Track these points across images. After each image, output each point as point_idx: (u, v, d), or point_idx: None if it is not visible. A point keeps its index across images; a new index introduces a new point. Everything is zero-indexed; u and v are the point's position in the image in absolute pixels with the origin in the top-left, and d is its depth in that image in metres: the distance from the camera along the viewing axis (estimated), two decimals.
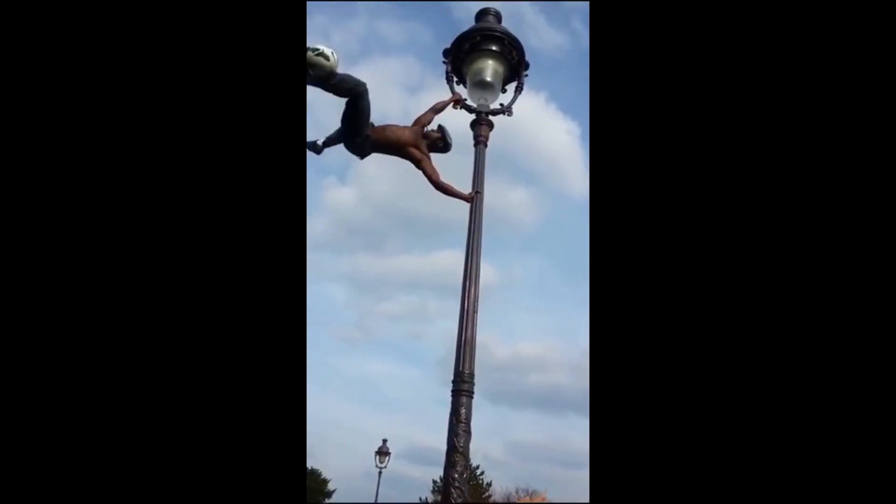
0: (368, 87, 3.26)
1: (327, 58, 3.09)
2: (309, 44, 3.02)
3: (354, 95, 3.25)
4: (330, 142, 3.52)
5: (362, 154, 3.51)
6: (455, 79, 3.92)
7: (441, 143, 3.60)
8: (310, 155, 3.47)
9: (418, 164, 3.51)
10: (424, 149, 3.53)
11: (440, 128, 3.64)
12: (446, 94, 3.86)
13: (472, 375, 3.13)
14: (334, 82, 3.17)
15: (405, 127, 3.57)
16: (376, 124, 3.49)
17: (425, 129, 3.61)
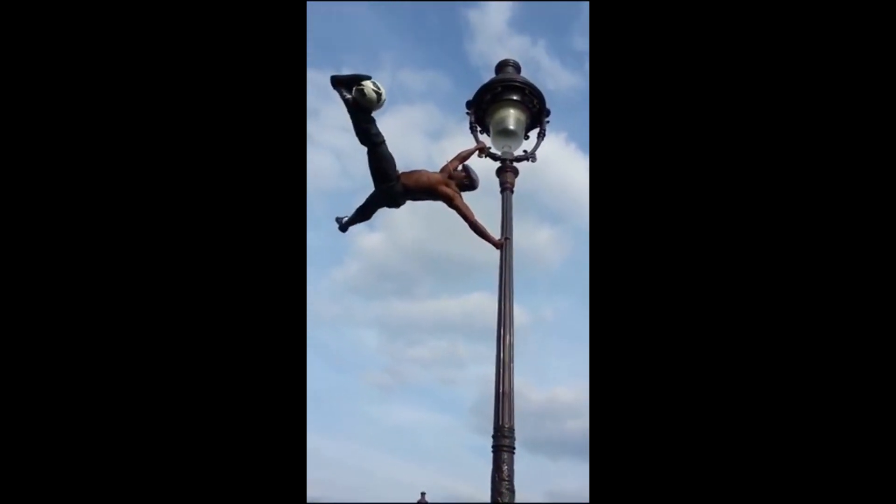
0: (394, 136, 3.34)
1: (376, 100, 3.18)
2: (376, 80, 3.17)
3: (372, 144, 3.32)
4: (352, 221, 3.63)
5: (397, 202, 3.53)
6: (479, 128, 3.97)
7: (467, 181, 3.62)
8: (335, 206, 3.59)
9: (451, 202, 3.51)
10: (455, 187, 3.56)
11: (464, 167, 3.67)
12: (467, 140, 3.92)
13: (512, 430, 2.99)
14: (362, 122, 3.24)
15: (433, 171, 3.60)
16: (401, 172, 3.52)
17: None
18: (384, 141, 3.33)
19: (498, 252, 3.50)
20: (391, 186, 3.40)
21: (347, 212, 3.68)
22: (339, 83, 3.19)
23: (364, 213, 3.64)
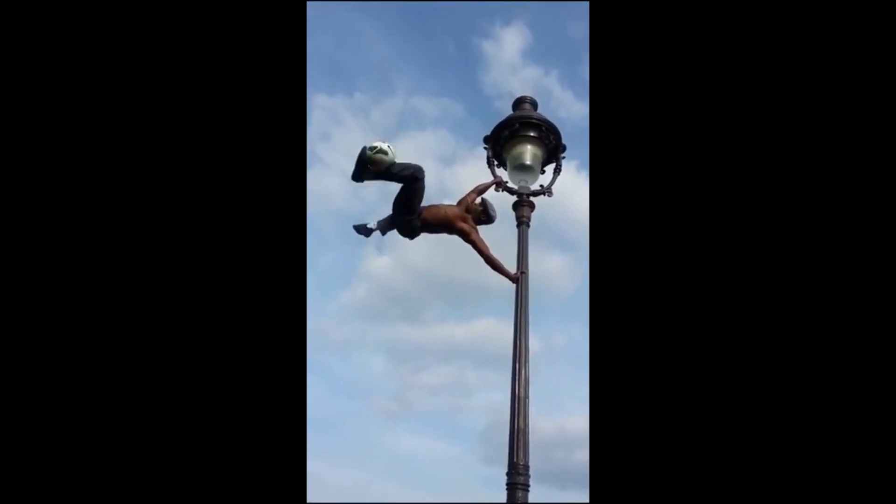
0: (406, 160, 3.40)
1: (386, 153, 3.26)
2: (365, 143, 3.26)
3: (412, 180, 3.36)
4: (382, 229, 3.57)
5: (412, 235, 3.56)
6: (496, 162, 4.02)
7: (484, 216, 3.64)
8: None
9: (467, 237, 3.53)
10: (471, 222, 3.58)
11: (483, 201, 3.69)
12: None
13: (527, 467, 2.95)
14: (396, 171, 3.31)
15: (450, 204, 3.64)
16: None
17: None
18: (424, 175, 3.37)
19: (509, 278, 3.52)
20: (412, 220, 3.43)
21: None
22: (364, 177, 3.29)
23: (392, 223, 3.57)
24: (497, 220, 3.74)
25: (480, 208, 3.64)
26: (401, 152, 3.35)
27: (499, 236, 3.73)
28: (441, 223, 3.52)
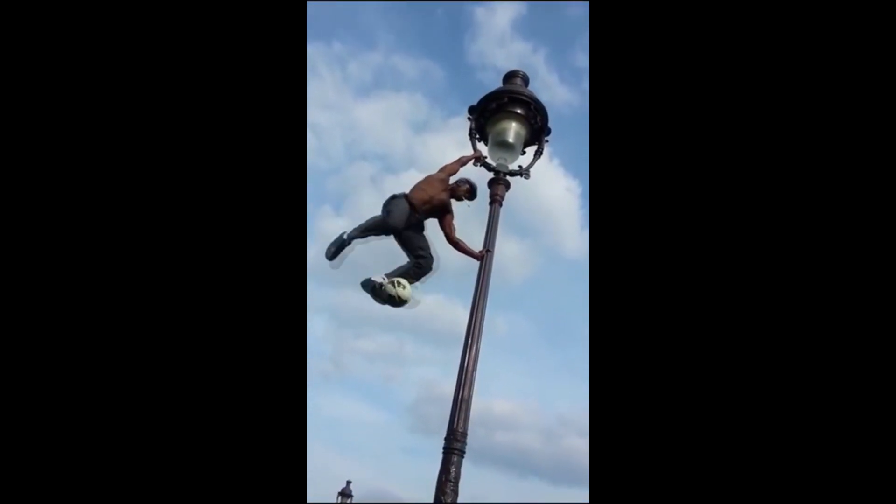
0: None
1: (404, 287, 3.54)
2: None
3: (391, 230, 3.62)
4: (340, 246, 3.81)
5: (422, 229, 3.75)
6: (478, 136, 4.01)
7: (467, 195, 3.89)
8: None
9: (441, 220, 3.78)
10: (451, 207, 3.84)
11: (473, 186, 3.91)
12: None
13: (465, 435, 3.16)
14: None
15: (434, 179, 3.79)
16: (399, 185, 3.74)
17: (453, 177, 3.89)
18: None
19: (469, 260, 3.70)
20: (413, 229, 3.66)
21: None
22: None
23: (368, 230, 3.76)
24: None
25: (466, 188, 3.87)
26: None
27: (457, 210, 3.95)
28: (436, 209, 3.74)
